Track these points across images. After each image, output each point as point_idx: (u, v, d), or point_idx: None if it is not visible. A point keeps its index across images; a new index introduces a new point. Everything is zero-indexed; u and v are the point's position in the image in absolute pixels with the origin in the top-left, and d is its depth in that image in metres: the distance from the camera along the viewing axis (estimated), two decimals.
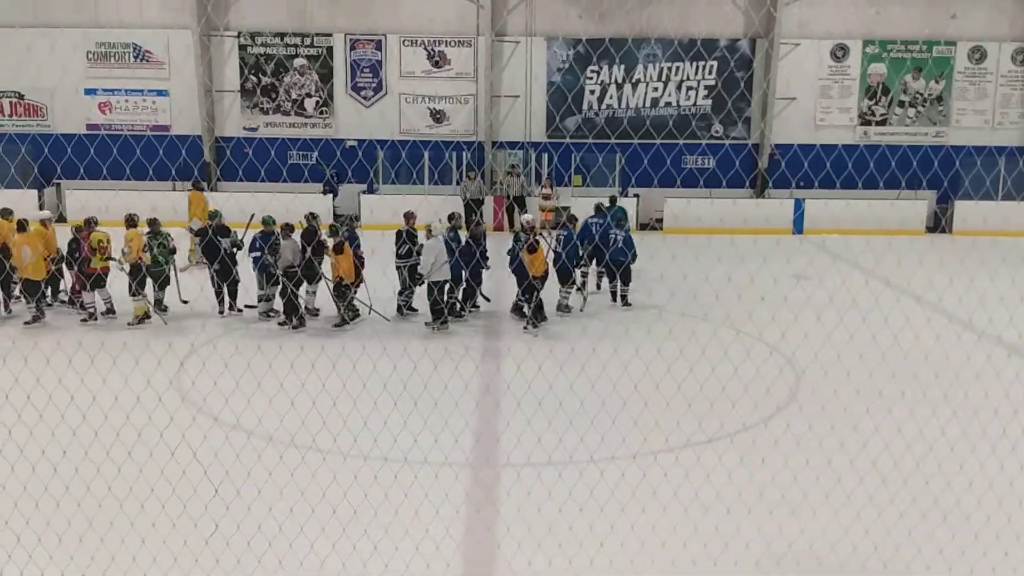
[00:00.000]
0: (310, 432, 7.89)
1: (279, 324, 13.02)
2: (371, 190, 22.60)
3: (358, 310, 13.33)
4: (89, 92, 23.07)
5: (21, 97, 23.19)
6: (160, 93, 23.12)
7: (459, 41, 22.92)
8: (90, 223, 13.11)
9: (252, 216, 13.18)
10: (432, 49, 23.01)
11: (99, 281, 12.99)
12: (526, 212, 21.41)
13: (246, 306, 13.47)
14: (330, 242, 13.02)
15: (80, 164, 21.06)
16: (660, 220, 22.24)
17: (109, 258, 12.95)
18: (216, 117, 23.23)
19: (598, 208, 15.16)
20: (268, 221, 13.03)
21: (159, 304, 13.51)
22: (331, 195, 22.03)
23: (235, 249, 13.29)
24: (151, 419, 7.38)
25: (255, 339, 12.05)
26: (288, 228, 13.04)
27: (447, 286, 12.85)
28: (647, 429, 8.34)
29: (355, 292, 13.13)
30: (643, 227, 22.24)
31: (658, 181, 21.47)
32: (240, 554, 6.34)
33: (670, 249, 16.59)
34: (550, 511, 7.00)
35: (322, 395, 7.65)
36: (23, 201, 20.78)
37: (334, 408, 7.61)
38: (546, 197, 21.09)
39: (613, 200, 16.63)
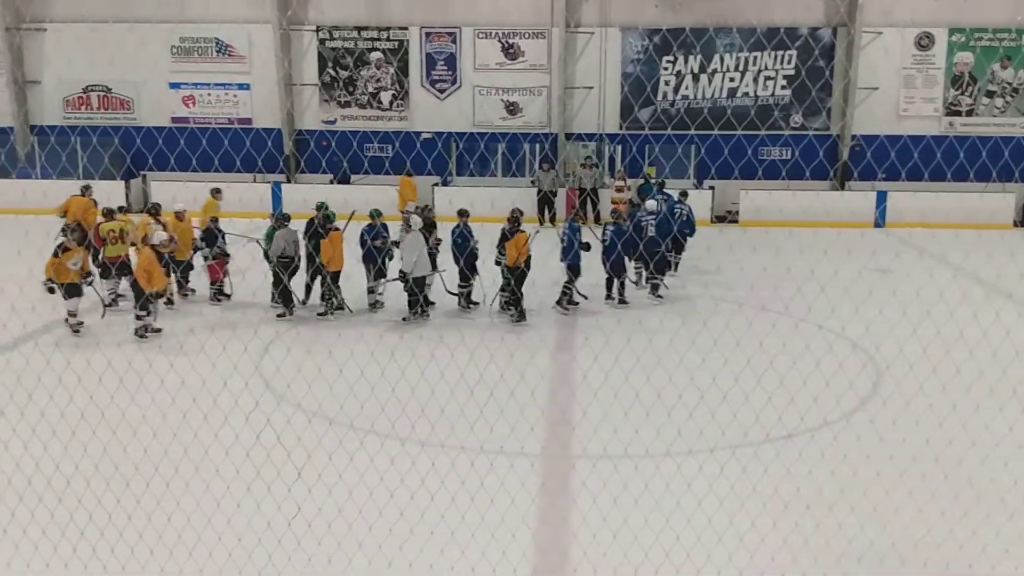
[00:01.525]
0: (389, 419, 8.01)
1: (277, 316, 12.97)
2: (446, 182, 22.77)
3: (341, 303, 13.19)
4: (174, 86, 23.74)
5: (109, 91, 23.98)
6: (242, 87, 23.65)
7: (533, 32, 22.91)
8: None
9: (353, 212, 13.26)
10: (506, 41, 23.05)
11: (120, 268, 13.21)
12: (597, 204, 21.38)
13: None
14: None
15: (170, 155, 21.77)
16: (736, 213, 21.90)
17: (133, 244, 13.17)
18: (295, 110, 23.67)
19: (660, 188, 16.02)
20: (374, 214, 13.08)
21: (289, 298, 13.24)
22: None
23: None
24: (237, 403, 7.59)
25: (335, 328, 12.28)
26: (284, 218, 13.16)
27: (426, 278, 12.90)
28: (725, 423, 8.24)
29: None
30: (719, 219, 21.95)
31: (736, 173, 21.11)
32: (321, 536, 6.48)
33: (750, 242, 16.34)
34: (626, 503, 6.98)
35: (401, 383, 7.76)
36: (113, 192, 21.58)
37: (412, 396, 7.72)
38: (619, 189, 20.93)
39: (659, 183, 17.55)
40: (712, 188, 21.88)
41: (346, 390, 7.79)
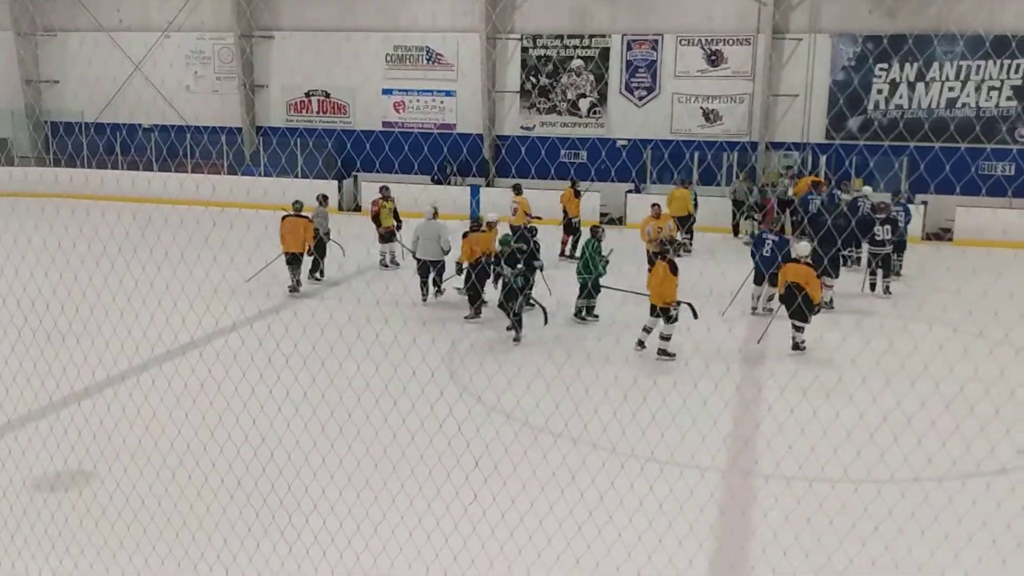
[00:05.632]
0: (582, 420, 7.98)
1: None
2: (638, 190, 22.59)
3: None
4: (386, 92, 24.92)
5: (327, 95, 25.51)
6: (448, 93, 24.51)
7: (737, 39, 22.32)
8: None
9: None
10: (709, 48, 22.59)
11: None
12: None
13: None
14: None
15: (377, 158, 22.89)
16: (950, 231, 20.39)
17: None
18: (496, 116, 24.25)
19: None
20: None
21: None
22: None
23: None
24: (424, 392, 7.81)
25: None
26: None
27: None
28: (932, 451, 7.66)
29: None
30: (933, 237, 20.49)
31: (953, 188, 19.64)
32: (495, 524, 6.47)
33: (969, 263, 15.15)
34: (820, 525, 6.63)
35: (595, 386, 7.69)
36: (326, 190, 22.80)
37: (606, 398, 7.65)
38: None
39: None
40: (925, 203, 20.45)
41: (543, 390, 7.85)
